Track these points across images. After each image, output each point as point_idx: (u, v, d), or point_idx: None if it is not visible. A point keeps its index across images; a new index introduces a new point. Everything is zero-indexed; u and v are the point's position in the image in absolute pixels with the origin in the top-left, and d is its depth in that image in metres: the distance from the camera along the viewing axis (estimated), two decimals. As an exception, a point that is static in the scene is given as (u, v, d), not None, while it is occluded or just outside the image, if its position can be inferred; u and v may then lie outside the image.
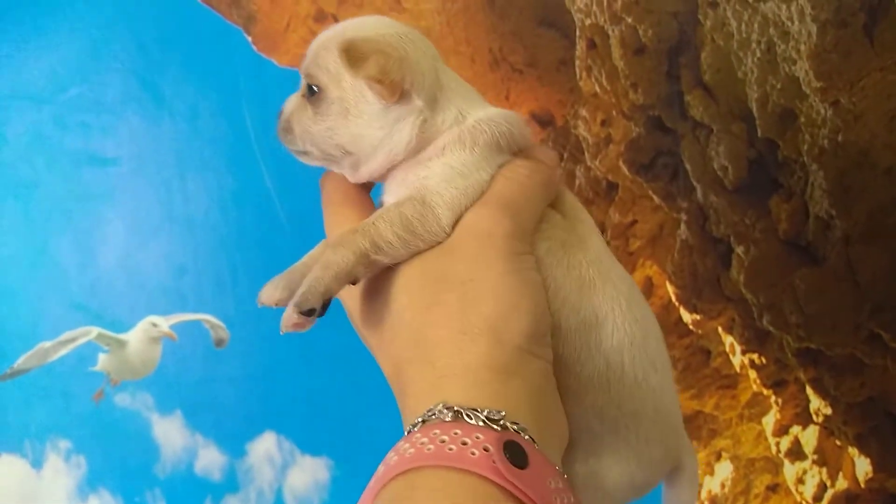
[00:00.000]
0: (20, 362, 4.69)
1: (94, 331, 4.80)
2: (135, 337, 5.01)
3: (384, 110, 0.87)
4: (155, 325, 4.99)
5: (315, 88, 0.89)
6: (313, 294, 0.77)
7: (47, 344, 4.71)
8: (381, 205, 0.90)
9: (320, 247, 0.92)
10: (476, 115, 0.88)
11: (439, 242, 0.81)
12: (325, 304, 0.79)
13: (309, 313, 0.77)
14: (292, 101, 0.94)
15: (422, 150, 0.87)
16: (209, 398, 5.13)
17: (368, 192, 0.94)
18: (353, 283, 0.81)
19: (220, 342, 5.18)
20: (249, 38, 5.53)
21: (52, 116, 6.44)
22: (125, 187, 6.04)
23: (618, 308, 0.85)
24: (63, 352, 4.71)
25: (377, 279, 0.82)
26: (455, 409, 0.67)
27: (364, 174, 0.90)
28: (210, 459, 5.28)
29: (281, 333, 0.78)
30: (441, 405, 0.67)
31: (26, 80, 6.38)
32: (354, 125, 0.88)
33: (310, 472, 5.06)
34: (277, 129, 0.94)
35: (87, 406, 5.21)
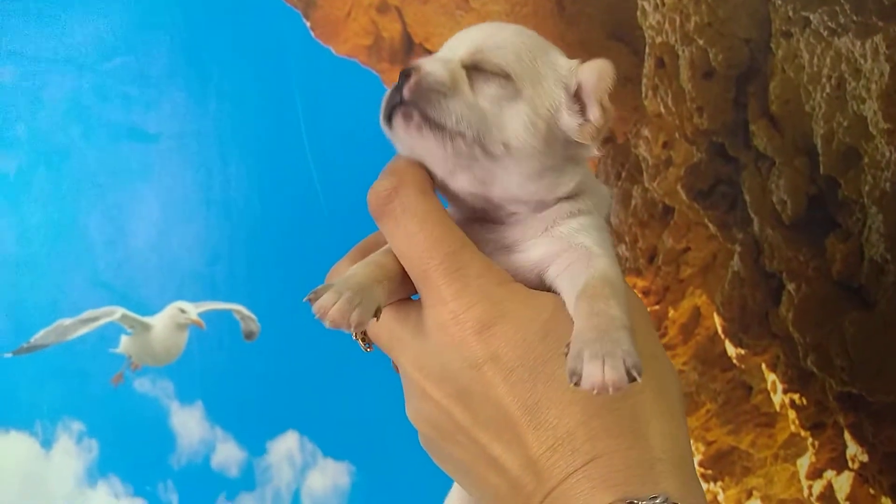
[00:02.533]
0: (37, 338, 4.72)
1: (119, 311, 4.82)
2: (161, 322, 5.08)
3: (566, 142, 0.83)
4: (183, 311, 5.04)
5: (494, 73, 0.81)
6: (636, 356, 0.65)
7: (67, 321, 4.78)
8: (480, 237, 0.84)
9: (382, 254, 0.83)
10: (604, 186, 0.89)
11: None
12: None
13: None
14: (439, 66, 0.80)
15: (568, 201, 0.84)
16: (233, 391, 5.32)
17: None
18: None
19: (249, 335, 5.29)
20: (308, 23, 5.81)
21: (92, 85, 6.60)
22: (163, 165, 6.27)
23: None
24: (84, 330, 4.75)
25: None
26: None
27: (485, 190, 0.82)
28: (228, 454, 5.49)
29: (600, 392, 0.63)
30: (664, 496, 0.65)
31: (69, 44, 6.58)
32: (537, 137, 0.81)
33: (330, 476, 5.25)
34: (419, 85, 0.78)
35: (104, 389, 5.34)
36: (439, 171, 0.82)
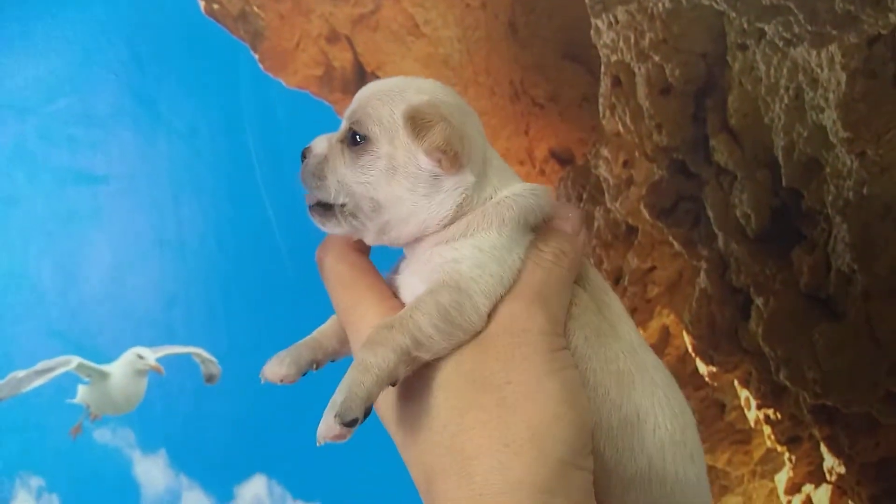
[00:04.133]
0: None
1: (75, 360, 4.77)
2: (118, 369, 5.01)
3: (434, 178, 0.91)
4: (141, 357, 4.99)
5: (360, 138, 0.92)
6: (355, 402, 0.76)
7: (21, 373, 4.67)
8: (390, 280, 0.96)
9: (332, 322, 0.99)
10: (503, 193, 0.93)
11: (477, 332, 0.82)
12: (367, 411, 0.78)
13: (352, 423, 0.76)
14: (324, 144, 0.96)
15: (450, 225, 0.91)
16: (196, 437, 5.24)
17: (369, 259, 0.97)
18: (394, 385, 0.82)
19: (210, 378, 5.24)
20: (256, 56, 5.77)
21: (36, 129, 6.55)
22: (114, 208, 6.20)
23: (657, 403, 0.89)
24: (39, 382, 4.65)
25: (412, 375, 0.83)
26: None
27: (389, 239, 0.94)
28: (195, 502, 5.41)
29: (318, 444, 0.77)
30: None
31: (10, 88, 6.51)
32: (398, 186, 0.91)
33: (301, 519, 5.19)
34: (304, 171, 0.96)
35: (63, 441, 5.24)
36: (353, 236, 0.97)
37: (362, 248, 0.97)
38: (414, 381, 0.82)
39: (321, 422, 0.76)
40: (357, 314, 0.89)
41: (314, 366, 0.96)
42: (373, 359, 0.79)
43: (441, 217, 0.91)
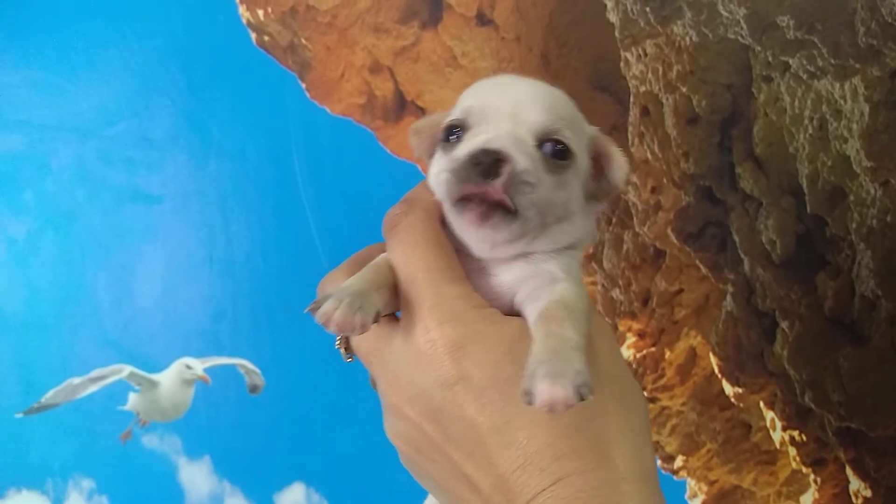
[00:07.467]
0: (48, 397, 4.79)
1: (126, 369, 4.87)
2: (167, 378, 5.09)
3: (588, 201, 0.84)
4: (189, 367, 5.06)
5: (562, 152, 0.79)
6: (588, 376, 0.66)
7: (77, 380, 4.80)
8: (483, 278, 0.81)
9: (380, 266, 0.80)
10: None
11: None
12: None
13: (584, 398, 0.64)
14: (527, 156, 0.77)
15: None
16: (239, 445, 5.26)
17: None
18: None
19: (254, 388, 5.27)
20: (303, 85, 5.82)
21: (97, 150, 6.61)
22: (167, 225, 6.25)
23: None
24: (92, 389, 4.78)
25: None
26: None
27: (509, 252, 0.80)
28: (236, 508, 5.40)
29: (550, 410, 0.64)
30: None
31: (74, 111, 6.60)
32: (578, 203, 0.81)
33: (337, 527, 5.16)
34: (509, 179, 0.74)
35: (113, 446, 5.29)
36: (478, 250, 0.82)
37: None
38: None
39: (549, 387, 0.63)
40: (443, 276, 0.76)
41: (377, 316, 0.74)
42: (576, 337, 0.69)
43: (574, 238, 0.82)
